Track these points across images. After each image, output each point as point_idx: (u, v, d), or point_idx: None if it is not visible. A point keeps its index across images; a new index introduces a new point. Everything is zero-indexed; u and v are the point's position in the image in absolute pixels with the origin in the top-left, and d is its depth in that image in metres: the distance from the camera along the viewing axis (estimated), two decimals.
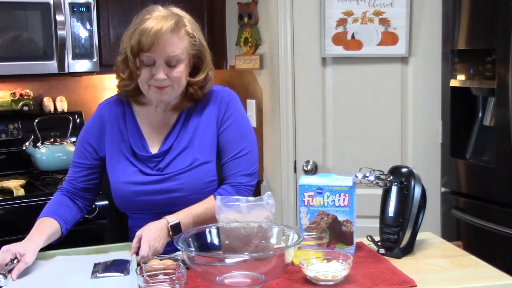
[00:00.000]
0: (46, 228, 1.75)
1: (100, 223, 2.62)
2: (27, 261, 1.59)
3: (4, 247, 1.62)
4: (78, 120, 3.30)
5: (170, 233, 1.70)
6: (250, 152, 1.85)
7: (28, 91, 3.17)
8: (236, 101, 1.90)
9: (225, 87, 1.93)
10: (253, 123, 3.16)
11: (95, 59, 3.00)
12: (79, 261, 1.66)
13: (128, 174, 1.80)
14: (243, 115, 1.90)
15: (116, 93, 1.90)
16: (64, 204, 1.86)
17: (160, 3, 1.79)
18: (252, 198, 1.62)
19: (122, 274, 1.54)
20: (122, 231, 1.88)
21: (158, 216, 1.75)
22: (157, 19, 1.70)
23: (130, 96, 1.86)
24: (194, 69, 1.82)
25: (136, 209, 1.82)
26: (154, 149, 1.83)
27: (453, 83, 2.68)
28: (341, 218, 1.69)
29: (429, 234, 1.89)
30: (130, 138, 1.83)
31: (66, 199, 1.88)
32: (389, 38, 2.83)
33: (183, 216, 1.74)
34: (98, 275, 1.54)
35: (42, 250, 1.70)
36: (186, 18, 1.79)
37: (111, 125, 1.86)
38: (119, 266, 1.58)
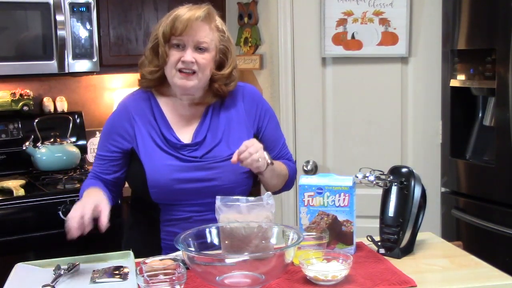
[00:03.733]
0: (98, 191, 1.80)
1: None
2: (106, 208, 1.65)
3: (76, 209, 1.64)
4: (78, 120, 3.30)
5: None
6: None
7: (28, 91, 3.17)
8: (260, 95, 2.01)
9: (246, 83, 2.02)
10: None
11: (95, 59, 3.00)
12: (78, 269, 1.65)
13: (166, 160, 1.83)
14: (270, 106, 2.02)
15: (138, 88, 1.94)
16: (98, 184, 1.88)
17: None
18: (252, 198, 1.63)
19: (121, 280, 1.54)
20: (146, 229, 1.89)
21: (192, 207, 1.81)
22: (190, 7, 1.81)
23: (153, 86, 1.90)
24: (220, 66, 1.88)
25: (172, 197, 1.83)
26: (185, 140, 1.87)
27: (453, 83, 2.68)
28: (341, 218, 1.69)
29: (429, 234, 1.89)
30: (161, 128, 1.86)
31: (98, 182, 1.90)
32: (389, 38, 2.83)
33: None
34: (97, 280, 1.54)
35: (39, 258, 1.70)
36: (217, 15, 1.90)
37: (140, 117, 1.88)
38: (118, 272, 1.58)
